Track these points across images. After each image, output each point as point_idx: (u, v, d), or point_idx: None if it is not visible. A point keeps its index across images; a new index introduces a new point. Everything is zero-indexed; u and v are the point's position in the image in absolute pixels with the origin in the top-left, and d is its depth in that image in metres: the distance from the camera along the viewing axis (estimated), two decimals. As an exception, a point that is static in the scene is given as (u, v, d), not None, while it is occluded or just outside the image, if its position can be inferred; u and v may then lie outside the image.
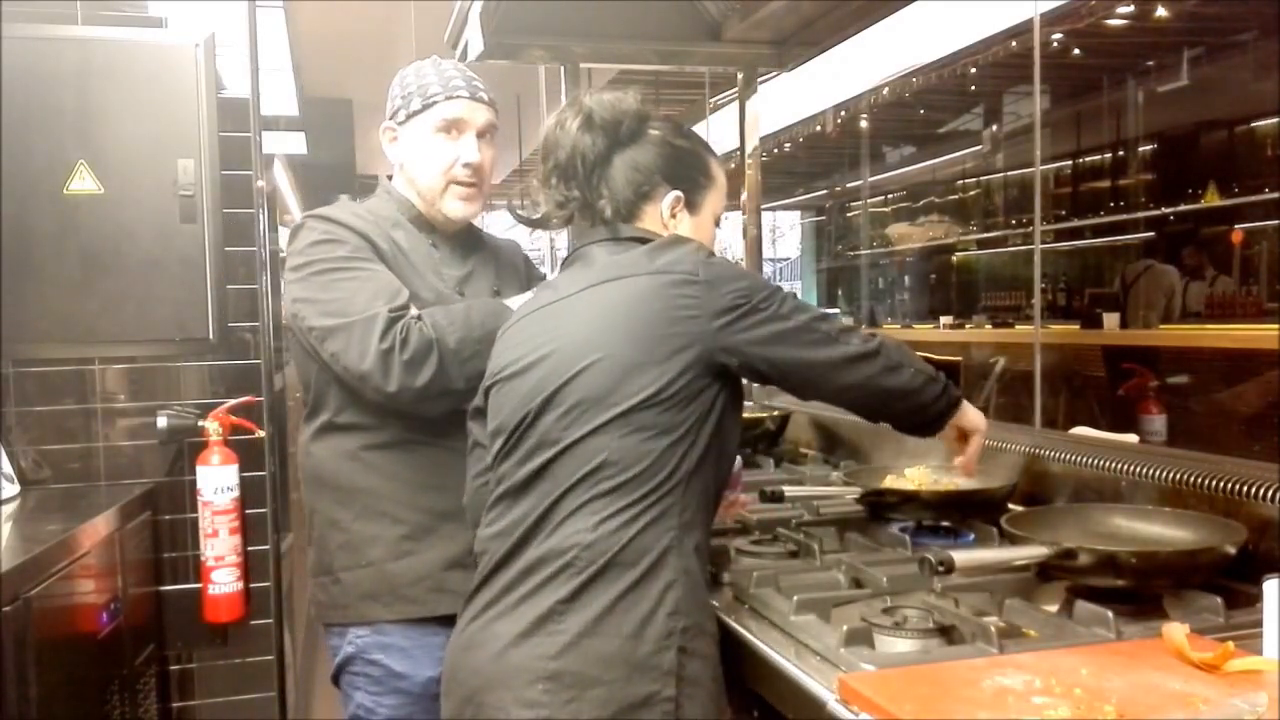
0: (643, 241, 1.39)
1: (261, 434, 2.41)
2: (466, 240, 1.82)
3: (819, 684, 1.13)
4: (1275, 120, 7.09)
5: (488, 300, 1.70)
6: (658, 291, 1.29)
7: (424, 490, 1.66)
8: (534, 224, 1.49)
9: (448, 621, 1.53)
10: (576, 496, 1.25)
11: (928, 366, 1.43)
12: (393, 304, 1.57)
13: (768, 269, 13.60)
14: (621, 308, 1.30)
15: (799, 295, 1.36)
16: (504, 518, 1.31)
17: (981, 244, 10.11)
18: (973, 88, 7.85)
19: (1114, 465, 1.67)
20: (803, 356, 1.31)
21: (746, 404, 2.98)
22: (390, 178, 1.83)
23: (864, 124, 8.83)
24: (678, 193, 1.43)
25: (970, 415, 1.51)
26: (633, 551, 1.22)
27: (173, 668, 2.47)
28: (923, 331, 8.31)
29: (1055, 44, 6.28)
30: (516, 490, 1.31)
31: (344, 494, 1.68)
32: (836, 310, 11.64)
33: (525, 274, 1.91)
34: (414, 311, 1.59)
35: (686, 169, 1.45)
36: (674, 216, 1.43)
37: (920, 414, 1.44)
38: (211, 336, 2.42)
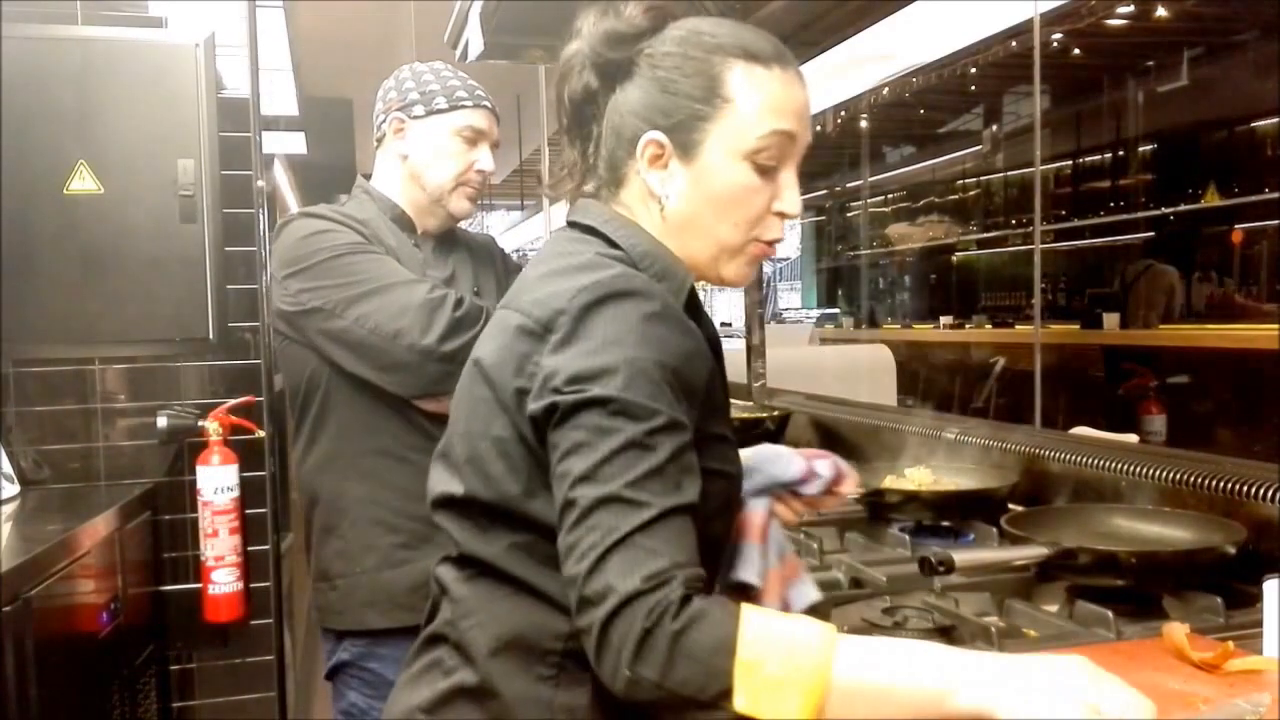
0: (600, 236, 1.00)
1: (261, 434, 2.41)
2: (446, 240, 1.82)
3: (819, 684, 1.13)
4: (1275, 120, 7.10)
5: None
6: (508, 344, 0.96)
7: (419, 500, 1.59)
8: (551, 198, 1.35)
9: None
10: None
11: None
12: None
13: (767, 269, 13.56)
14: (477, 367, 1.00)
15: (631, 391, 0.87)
16: None
17: (981, 244, 10.13)
18: (973, 88, 7.87)
19: (1114, 465, 1.66)
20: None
21: (747, 404, 2.99)
22: (368, 177, 1.81)
23: (864, 124, 8.84)
24: (654, 134, 0.97)
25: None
26: None
27: (173, 668, 2.47)
28: (923, 331, 8.32)
29: (1055, 44, 6.29)
30: None
31: (340, 501, 1.68)
32: (837, 310, 11.63)
33: (502, 270, 1.90)
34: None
35: (673, 93, 0.96)
36: (654, 170, 0.99)
37: None
38: (211, 336, 2.42)
